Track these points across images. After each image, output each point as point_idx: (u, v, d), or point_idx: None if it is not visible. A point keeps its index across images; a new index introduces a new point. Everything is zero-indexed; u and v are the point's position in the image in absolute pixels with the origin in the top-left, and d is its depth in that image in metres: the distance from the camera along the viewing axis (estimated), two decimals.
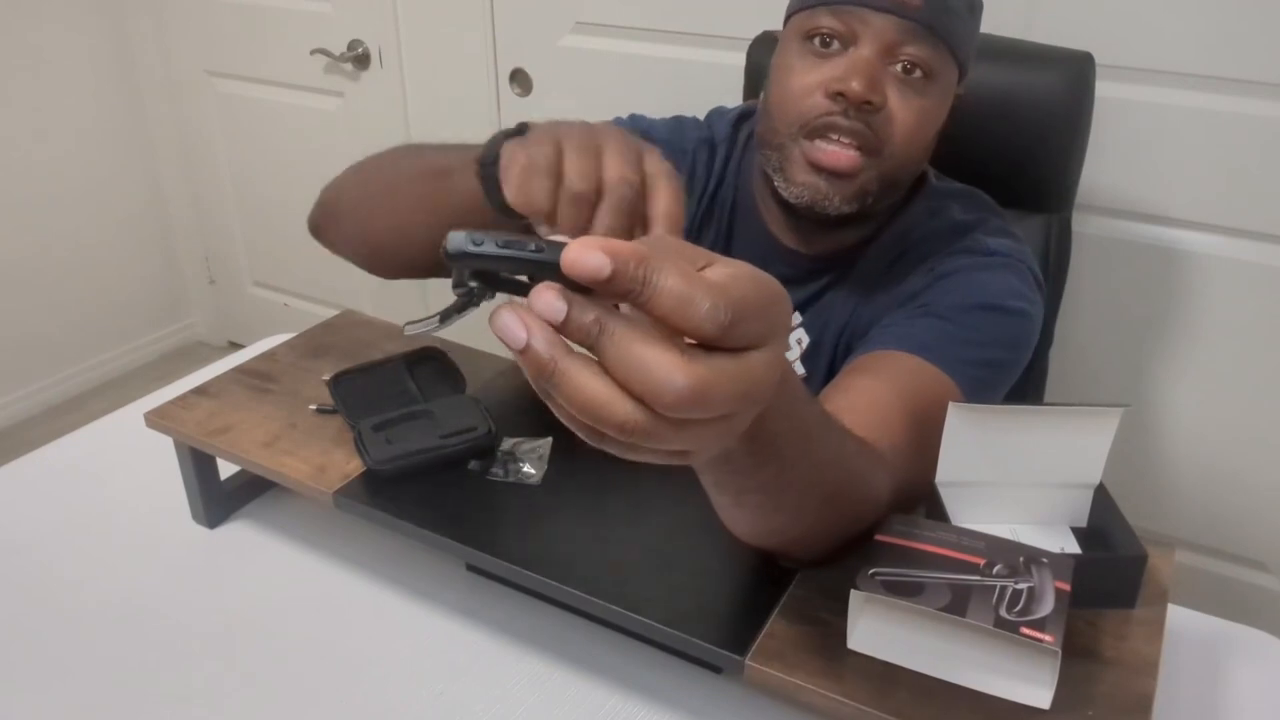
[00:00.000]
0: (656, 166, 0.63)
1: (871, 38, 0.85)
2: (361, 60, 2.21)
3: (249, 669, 0.82)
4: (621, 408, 0.40)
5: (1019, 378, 0.94)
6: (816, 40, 0.87)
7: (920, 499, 0.82)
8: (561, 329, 0.39)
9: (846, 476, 0.67)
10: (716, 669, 0.79)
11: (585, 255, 0.38)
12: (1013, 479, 0.77)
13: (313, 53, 2.24)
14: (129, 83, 2.61)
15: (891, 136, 0.87)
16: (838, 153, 0.86)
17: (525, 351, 0.40)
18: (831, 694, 0.65)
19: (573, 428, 0.43)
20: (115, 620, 0.87)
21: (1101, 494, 0.78)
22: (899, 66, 0.86)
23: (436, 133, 0.98)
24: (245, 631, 0.86)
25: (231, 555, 0.95)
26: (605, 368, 0.40)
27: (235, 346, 2.75)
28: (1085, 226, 1.51)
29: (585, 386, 0.40)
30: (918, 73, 0.86)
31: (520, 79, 2.02)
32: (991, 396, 0.90)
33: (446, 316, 0.46)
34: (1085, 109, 1.17)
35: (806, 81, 0.87)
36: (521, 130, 0.82)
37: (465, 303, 0.44)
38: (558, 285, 0.40)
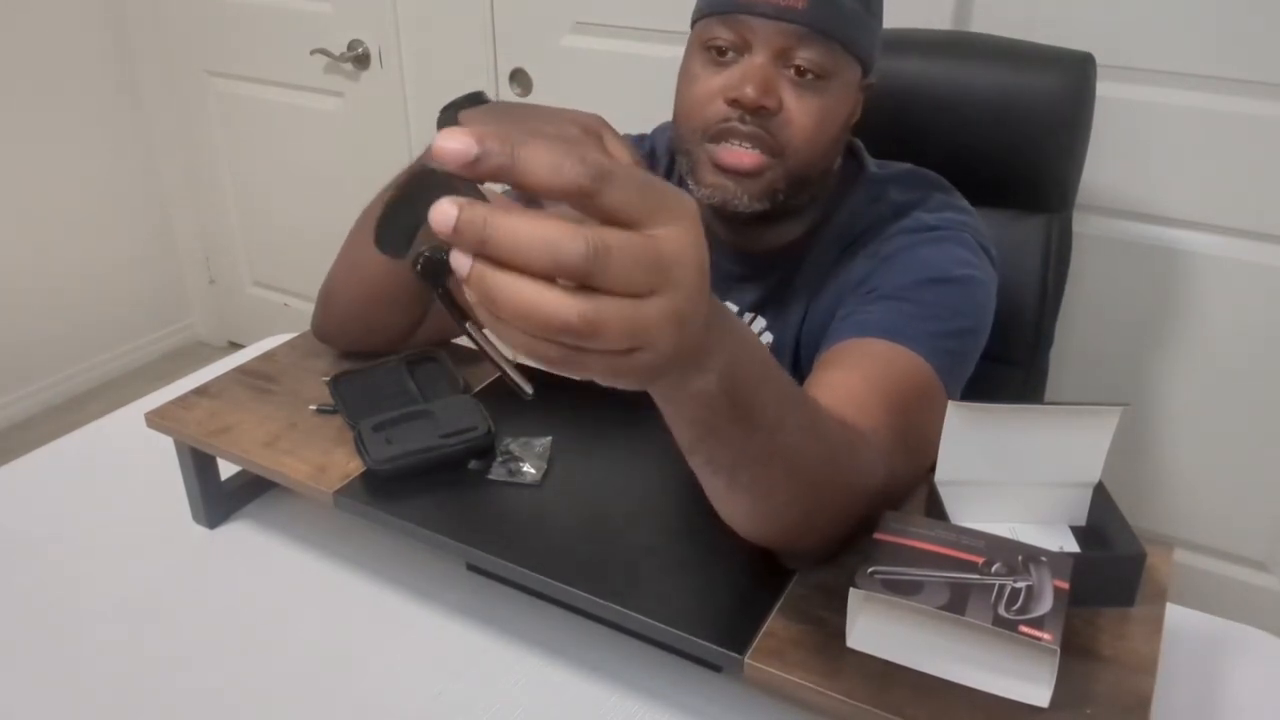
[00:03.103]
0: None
1: (762, 44, 0.88)
2: (361, 60, 2.21)
3: (249, 669, 0.82)
4: (552, 296, 0.41)
5: (1017, 377, 0.94)
6: (714, 49, 0.90)
7: (914, 485, 0.82)
8: (458, 234, 0.41)
9: (834, 451, 0.68)
10: (716, 668, 0.79)
11: (450, 141, 0.40)
12: (1012, 478, 0.78)
13: (313, 53, 2.24)
14: (129, 83, 2.61)
15: (791, 138, 0.89)
16: (740, 153, 0.89)
17: (466, 279, 0.42)
18: (831, 692, 0.65)
19: (525, 354, 0.44)
20: (115, 620, 0.87)
21: (1100, 493, 0.78)
22: (792, 70, 0.88)
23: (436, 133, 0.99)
24: (245, 631, 0.86)
25: (231, 555, 0.95)
26: (507, 260, 0.41)
27: (235, 346, 2.75)
28: (1085, 226, 1.51)
29: (510, 287, 0.41)
30: (810, 75, 0.88)
31: (520, 79, 2.02)
32: (963, 367, 0.91)
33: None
34: (1085, 109, 1.17)
35: (707, 89, 0.90)
36: (477, 99, 0.93)
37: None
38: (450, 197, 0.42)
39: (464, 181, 0.42)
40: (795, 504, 0.67)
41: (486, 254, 0.41)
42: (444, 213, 0.41)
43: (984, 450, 0.76)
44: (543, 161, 0.41)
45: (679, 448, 0.62)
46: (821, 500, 0.69)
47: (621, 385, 0.49)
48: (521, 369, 0.54)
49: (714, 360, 0.52)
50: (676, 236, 0.44)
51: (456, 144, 0.40)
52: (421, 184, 0.45)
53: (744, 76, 0.87)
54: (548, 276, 0.41)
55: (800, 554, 0.75)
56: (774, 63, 0.88)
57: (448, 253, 0.42)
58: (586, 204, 0.42)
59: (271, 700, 0.79)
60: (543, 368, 0.45)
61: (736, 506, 0.67)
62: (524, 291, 0.41)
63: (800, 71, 0.88)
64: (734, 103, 0.88)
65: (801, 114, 0.89)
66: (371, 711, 0.78)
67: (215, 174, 2.65)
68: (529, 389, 0.55)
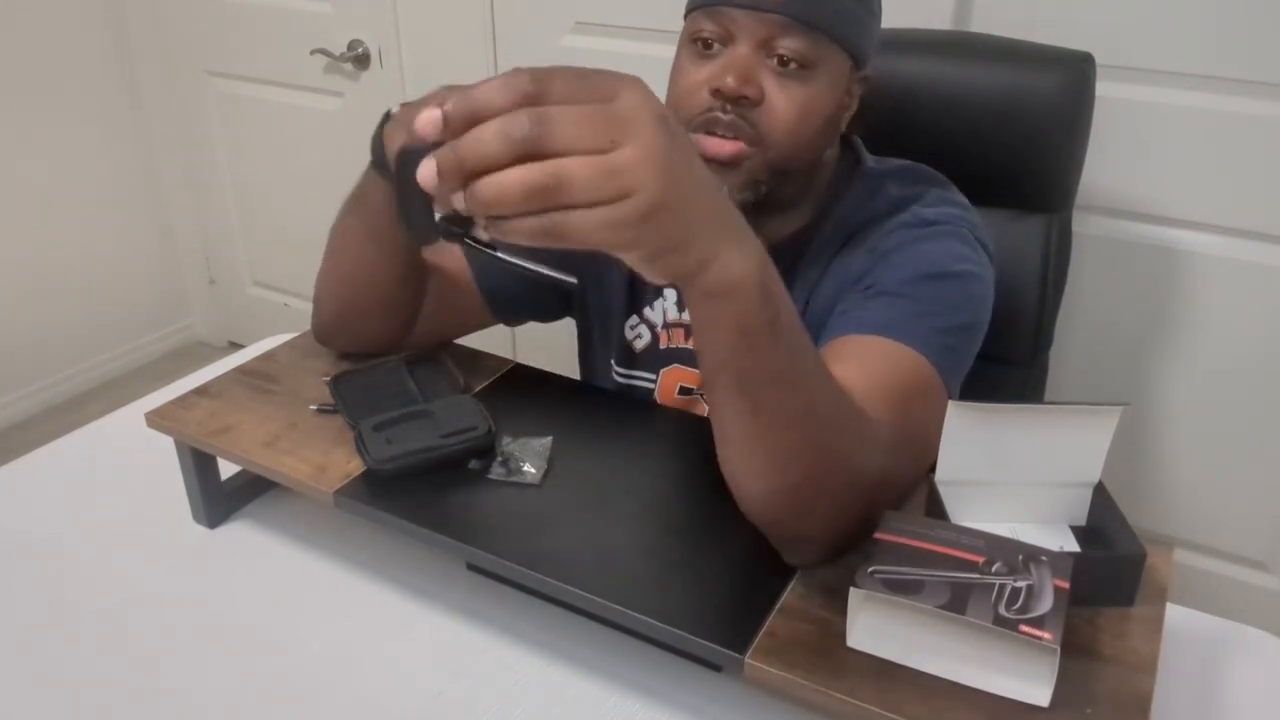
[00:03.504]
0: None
1: (745, 35, 0.89)
2: (361, 60, 2.21)
3: (249, 669, 0.82)
4: (521, 169, 0.50)
5: (1017, 377, 0.94)
6: (700, 42, 0.92)
7: (915, 484, 0.82)
8: (443, 176, 0.51)
9: (842, 404, 0.71)
10: (716, 667, 0.79)
11: (424, 117, 0.51)
12: (1012, 478, 0.78)
13: (313, 53, 2.25)
14: (129, 83, 2.61)
15: (773, 127, 0.90)
16: (720, 143, 0.90)
17: (466, 206, 0.51)
18: (831, 691, 0.65)
19: (535, 241, 0.51)
20: (115, 620, 0.87)
21: (1101, 493, 0.78)
22: (774, 60, 0.90)
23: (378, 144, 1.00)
24: (245, 631, 0.86)
25: (231, 555, 0.95)
26: (481, 167, 0.50)
27: (235, 346, 2.75)
28: (1085, 226, 1.51)
29: (492, 182, 0.50)
30: (793, 65, 0.90)
31: None
32: (962, 362, 0.91)
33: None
34: (1085, 109, 1.17)
35: (692, 81, 0.92)
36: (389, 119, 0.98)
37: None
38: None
39: (437, 147, 0.52)
40: (807, 451, 0.69)
41: (467, 172, 0.50)
42: (427, 170, 0.51)
43: (984, 450, 0.76)
44: (490, 88, 0.50)
45: (705, 377, 0.68)
46: (830, 457, 0.70)
47: (641, 248, 0.55)
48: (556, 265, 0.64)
49: (750, 245, 0.61)
50: (625, 100, 0.52)
51: (428, 116, 0.51)
52: (409, 165, 0.54)
53: (725, 67, 0.89)
54: (515, 162, 0.50)
55: (800, 541, 0.75)
56: (756, 53, 0.89)
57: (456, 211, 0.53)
58: (539, 105, 0.50)
59: (271, 700, 0.79)
60: (560, 246, 0.52)
61: (754, 444, 0.69)
62: (500, 179, 0.50)
63: (783, 61, 0.89)
64: (716, 93, 0.89)
65: (783, 104, 0.90)
66: (371, 711, 0.78)
67: (215, 174, 2.65)
68: (573, 279, 0.65)
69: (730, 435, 0.71)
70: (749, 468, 0.71)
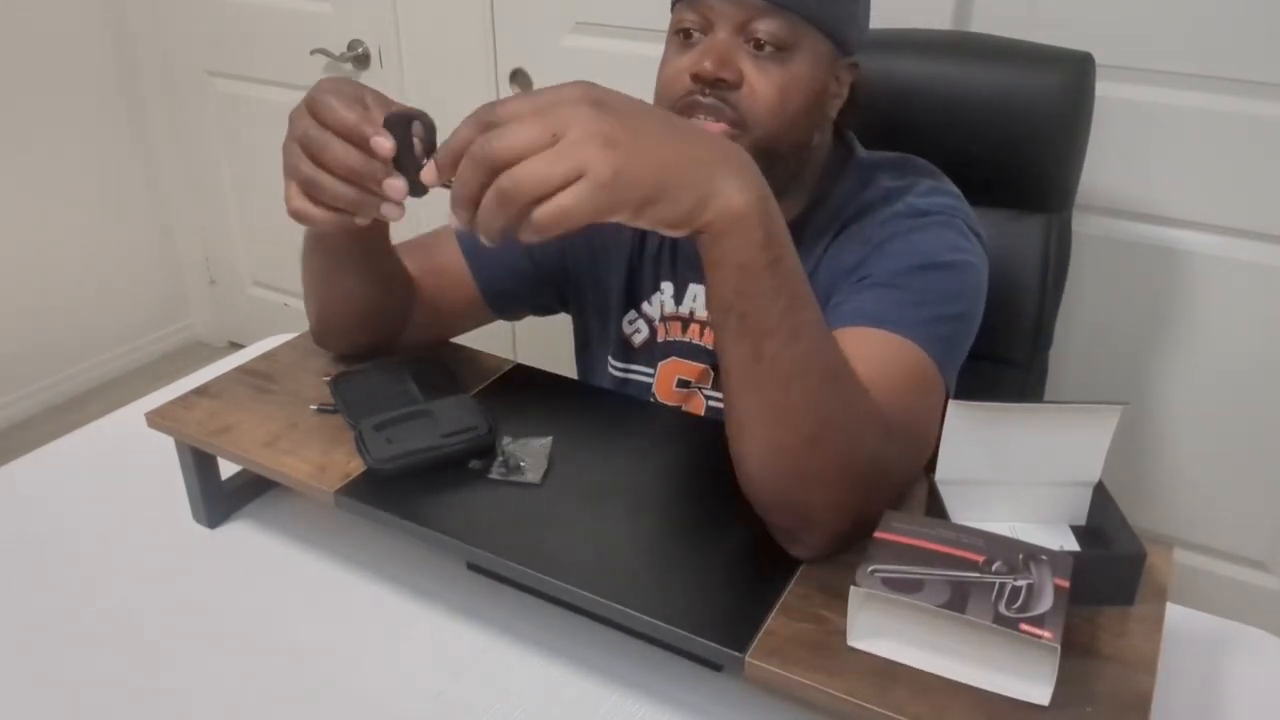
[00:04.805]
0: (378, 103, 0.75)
1: (723, 21, 0.91)
2: (361, 60, 2.22)
3: (249, 669, 0.82)
4: (470, 150, 0.60)
5: (1017, 377, 0.94)
6: (682, 33, 0.94)
7: (912, 475, 0.81)
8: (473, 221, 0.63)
9: (844, 367, 0.73)
10: (717, 666, 0.79)
11: (427, 170, 0.67)
12: (1012, 477, 0.78)
13: (313, 53, 2.24)
14: (129, 83, 2.61)
15: (755, 109, 0.91)
16: (703, 126, 0.91)
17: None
18: (831, 690, 0.65)
19: (542, 234, 0.60)
20: (115, 620, 0.87)
21: (1101, 492, 0.78)
22: (751, 43, 0.91)
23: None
24: (245, 631, 0.86)
25: (231, 555, 0.95)
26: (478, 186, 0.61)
27: (235, 346, 2.75)
28: (1085, 226, 1.51)
29: (457, 177, 0.61)
30: (770, 48, 0.91)
31: (520, 79, 2.02)
32: (957, 351, 0.91)
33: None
34: (1085, 109, 1.17)
35: (673, 69, 0.94)
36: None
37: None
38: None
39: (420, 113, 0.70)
40: (807, 410, 0.70)
41: (468, 204, 0.61)
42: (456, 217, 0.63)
43: (984, 450, 0.76)
44: (459, 129, 0.62)
45: (713, 323, 0.72)
46: (828, 421, 0.71)
47: (622, 209, 0.61)
48: None
49: (750, 176, 0.66)
50: (560, 94, 0.60)
51: (428, 168, 0.66)
52: (397, 129, 0.68)
53: (704, 52, 0.90)
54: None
55: (800, 526, 0.75)
56: (734, 37, 0.91)
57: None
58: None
59: (271, 700, 0.79)
60: (557, 233, 0.60)
61: (754, 395, 0.71)
62: (483, 202, 0.60)
63: (759, 45, 0.90)
64: (695, 78, 0.90)
65: (763, 85, 0.90)
66: (371, 711, 0.78)
67: (215, 174, 2.65)
68: None
69: (733, 384, 0.72)
70: (749, 422, 0.72)
